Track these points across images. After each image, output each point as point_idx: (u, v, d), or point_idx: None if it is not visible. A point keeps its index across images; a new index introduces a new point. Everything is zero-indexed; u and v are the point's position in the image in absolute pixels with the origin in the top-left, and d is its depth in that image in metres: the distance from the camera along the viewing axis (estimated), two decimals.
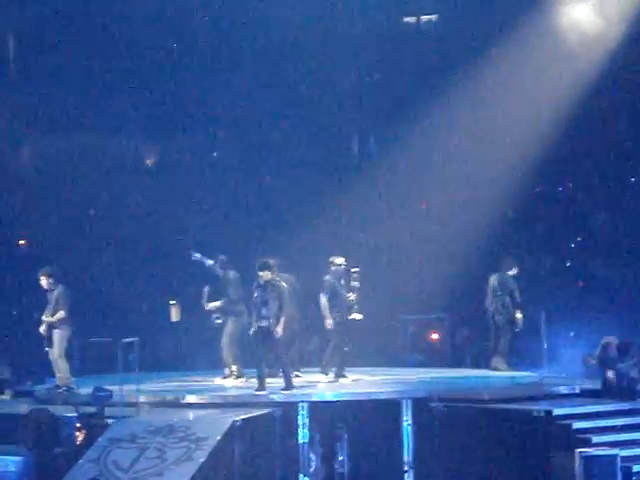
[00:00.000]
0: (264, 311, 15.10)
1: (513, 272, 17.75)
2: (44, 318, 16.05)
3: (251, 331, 15.25)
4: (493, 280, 17.68)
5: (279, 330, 15.04)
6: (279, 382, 15.40)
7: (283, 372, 15.30)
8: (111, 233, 20.86)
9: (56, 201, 20.90)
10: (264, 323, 15.08)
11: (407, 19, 22.05)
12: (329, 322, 16.15)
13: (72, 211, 21.10)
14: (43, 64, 20.77)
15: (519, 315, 17.46)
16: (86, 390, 14.67)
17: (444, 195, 21.39)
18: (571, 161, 21.04)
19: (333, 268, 16.37)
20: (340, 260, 16.40)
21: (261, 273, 15.22)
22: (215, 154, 22.32)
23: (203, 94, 21.39)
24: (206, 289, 16.15)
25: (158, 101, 21.14)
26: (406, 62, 21.56)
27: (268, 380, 15.33)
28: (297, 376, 16.22)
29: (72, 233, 20.77)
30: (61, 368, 16.06)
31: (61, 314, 16.01)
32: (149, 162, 22.65)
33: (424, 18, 21.99)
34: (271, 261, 15.43)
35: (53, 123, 20.88)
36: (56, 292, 16.12)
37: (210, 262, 16.60)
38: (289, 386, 15.10)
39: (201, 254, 16.65)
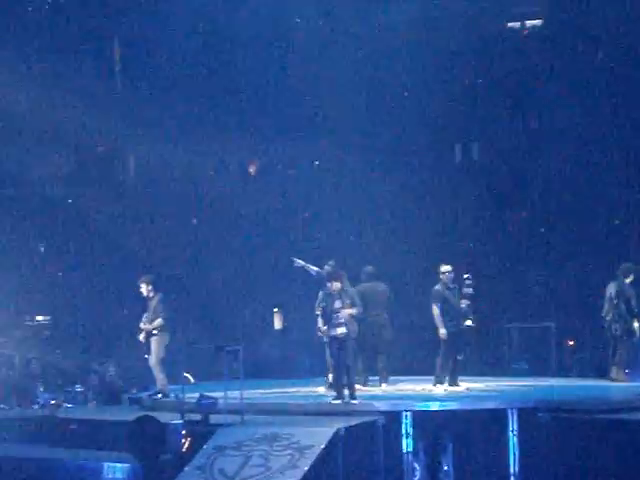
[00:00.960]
0: (336, 319, 15.02)
1: (630, 279, 17.09)
2: (142, 326, 16.32)
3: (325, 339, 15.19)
4: (610, 288, 17.12)
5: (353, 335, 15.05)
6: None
7: (350, 381, 15.09)
8: (215, 241, 21.00)
9: (159, 209, 21.16)
10: (343, 331, 15.03)
11: (511, 24, 21.88)
12: (443, 332, 16.11)
13: (176, 219, 21.33)
14: (149, 72, 21.10)
15: (637, 324, 16.90)
16: (192, 397, 14.78)
17: (547, 199, 21.12)
18: None
19: (441, 276, 16.34)
20: (446, 268, 16.32)
21: (329, 284, 15.19)
22: (317, 162, 22.36)
23: (304, 100, 21.45)
24: (321, 294, 15.98)
25: (262, 108, 21.25)
26: (510, 67, 21.33)
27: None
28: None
29: (176, 241, 21.00)
30: (158, 375, 16.30)
31: (158, 322, 16.23)
32: (252, 170, 22.80)
33: (528, 23, 21.77)
34: (340, 272, 15.48)
35: (158, 133, 21.14)
36: (154, 300, 16.36)
37: (314, 269, 16.63)
38: (354, 396, 14.96)
39: (304, 261, 16.67)
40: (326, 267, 16.61)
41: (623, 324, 16.82)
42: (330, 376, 16.40)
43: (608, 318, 17.07)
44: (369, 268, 17.03)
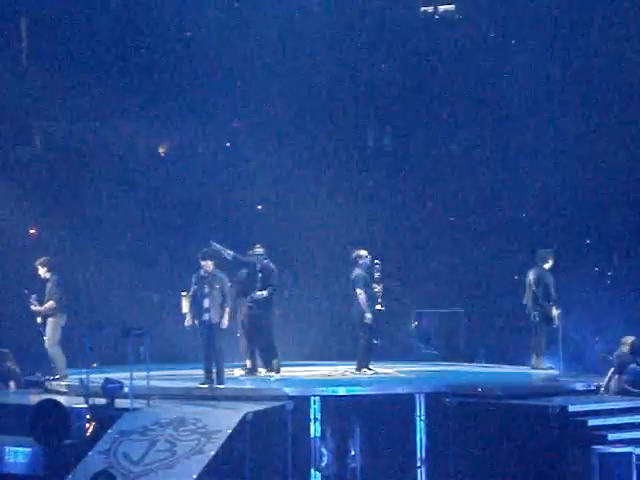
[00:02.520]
0: (206, 303, 14.90)
1: (549, 265, 16.85)
2: (32, 307, 16.08)
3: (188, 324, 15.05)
4: (530, 275, 16.88)
5: (225, 322, 14.88)
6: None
7: (218, 367, 14.97)
8: (125, 222, 20.69)
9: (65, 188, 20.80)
10: (205, 317, 14.90)
11: (424, 9, 21.92)
12: (369, 316, 16.05)
13: (83, 199, 20.95)
14: (56, 49, 20.70)
15: (555, 311, 16.64)
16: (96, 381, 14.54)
17: (462, 185, 21.24)
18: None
19: (360, 261, 16.25)
20: (364, 252, 16.28)
21: (203, 263, 15.01)
22: (228, 144, 22.17)
23: (220, 81, 21.24)
24: (193, 277, 15.68)
25: (174, 89, 20.98)
26: (423, 52, 21.38)
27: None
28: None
29: (84, 221, 20.64)
30: (52, 357, 16.07)
31: (50, 304, 16.03)
32: (162, 149, 22.53)
33: (441, 8, 21.83)
34: (211, 250, 15.30)
35: (66, 111, 20.77)
36: (50, 282, 16.14)
37: (230, 253, 16.39)
38: (222, 381, 14.91)
39: (222, 245, 16.42)
40: (249, 252, 16.43)
41: (541, 311, 16.65)
42: (248, 361, 16.29)
43: (528, 305, 16.90)
44: (259, 248, 16.40)
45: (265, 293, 15.93)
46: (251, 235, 20.01)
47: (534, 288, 16.66)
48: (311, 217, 20.70)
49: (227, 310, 14.98)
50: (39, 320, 16.18)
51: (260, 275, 16.05)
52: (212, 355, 14.91)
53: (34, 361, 17.40)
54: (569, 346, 17.35)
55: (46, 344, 16.10)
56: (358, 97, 21.46)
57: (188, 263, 16.84)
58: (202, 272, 15.00)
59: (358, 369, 16.40)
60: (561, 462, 13.51)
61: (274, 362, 16.15)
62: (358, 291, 16.06)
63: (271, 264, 16.18)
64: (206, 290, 14.90)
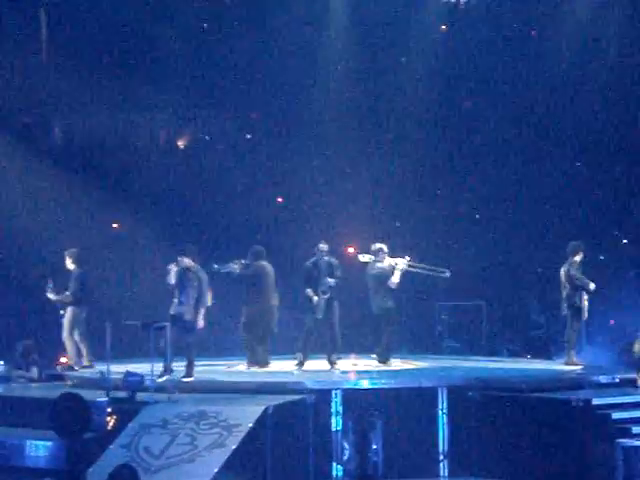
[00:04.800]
0: (182, 298, 14.88)
1: (579, 257, 16.50)
2: (48, 295, 16.38)
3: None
4: (562, 268, 16.56)
5: (200, 322, 14.89)
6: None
7: (188, 360, 15.02)
8: (141, 215, 20.68)
9: (87, 181, 20.81)
10: (179, 310, 14.87)
11: None
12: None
13: (103, 192, 20.95)
14: (74, 42, 20.70)
15: (584, 304, 16.30)
16: (118, 374, 14.55)
17: (485, 177, 21.14)
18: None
19: (382, 255, 16.49)
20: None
21: (179, 258, 15.01)
22: (249, 136, 22.14)
23: (237, 75, 21.19)
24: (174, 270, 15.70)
25: (191, 83, 20.95)
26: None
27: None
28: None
29: (103, 215, 20.63)
30: (68, 348, 16.37)
31: (65, 296, 16.35)
32: (180, 143, 22.52)
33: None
34: (191, 247, 15.26)
35: (85, 103, 20.77)
36: (73, 274, 16.38)
37: (234, 266, 16.37)
38: (189, 374, 14.95)
39: (219, 264, 16.42)
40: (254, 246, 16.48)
41: (571, 304, 16.38)
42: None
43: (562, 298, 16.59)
44: (257, 247, 16.56)
45: (332, 282, 16.06)
46: (271, 228, 20.03)
47: (564, 282, 16.41)
48: (332, 209, 20.65)
49: (202, 310, 14.95)
50: (62, 311, 16.39)
51: (328, 269, 16.18)
52: (178, 349, 14.90)
53: (57, 353, 17.52)
54: (599, 338, 17.24)
55: (62, 335, 16.37)
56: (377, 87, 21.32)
57: (209, 256, 16.86)
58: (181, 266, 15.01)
59: (383, 362, 16.38)
60: (584, 455, 13.42)
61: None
62: (396, 280, 16.17)
63: (333, 259, 16.33)
64: (184, 284, 14.88)
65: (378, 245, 16.56)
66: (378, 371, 15.99)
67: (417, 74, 20.98)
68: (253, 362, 16.31)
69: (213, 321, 18.23)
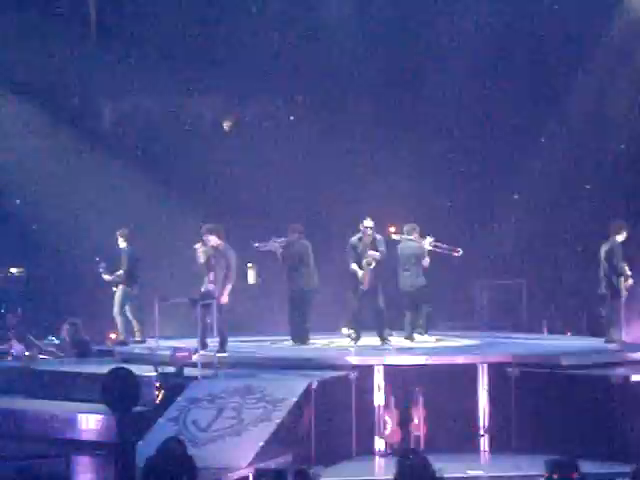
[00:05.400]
0: (211, 276, 15.14)
1: (622, 237, 16.28)
2: (103, 276, 16.81)
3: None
4: (603, 247, 16.40)
5: (224, 298, 15.08)
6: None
7: (221, 335, 15.24)
8: (189, 198, 20.95)
9: (134, 160, 21.10)
10: (208, 288, 15.14)
11: None
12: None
13: (150, 174, 21.25)
14: (123, 27, 20.99)
15: (623, 283, 16.07)
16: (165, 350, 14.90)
17: (524, 158, 21.12)
18: None
19: (415, 234, 16.84)
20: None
21: (205, 237, 15.21)
22: (292, 118, 22.31)
23: (281, 58, 21.35)
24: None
25: (236, 64, 21.13)
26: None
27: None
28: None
29: (149, 197, 20.91)
30: (118, 325, 16.86)
31: (118, 273, 16.86)
32: (226, 125, 22.71)
33: None
34: (217, 226, 15.43)
35: (133, 86, 21.06)
36: (123, 252, 16.83)
37: (275, 244, 16.62)
38: (223, 349, 15.17)
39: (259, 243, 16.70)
40: (292, 225, 16.76)
41: (608, 283, 16.25)
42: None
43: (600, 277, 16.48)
44: (297, 225, 16.81)
45: (377, 255, 16.31)
46: (312, 208, 20.19)
47: (603, 260, 16.29)
48: (372, 189, 20.76)
49: (227, 287, 15.16)
50: (114, 289, 16.83)
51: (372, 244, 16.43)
52: (209, 326, 15.14)
53: (106, 330, 17.94)
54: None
55: (114, 311, 16.72)
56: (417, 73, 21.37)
57: (254, 237, 17.14)
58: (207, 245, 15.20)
59: (420, 335, 16.74)
60: (623, 432, 13.56)
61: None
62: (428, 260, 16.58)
63: (377, 235, 16.55)
64: (212, 263, 15.14)
65: (411, 225, 16.83)
66: (420, 347, 16.21)
67: (458, 54, 21.00)
68: (297, 338, 16.59)
69: (256, 298, 18.60)
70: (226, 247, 15.35)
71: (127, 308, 16.98)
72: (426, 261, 16.71)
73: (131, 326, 17.13)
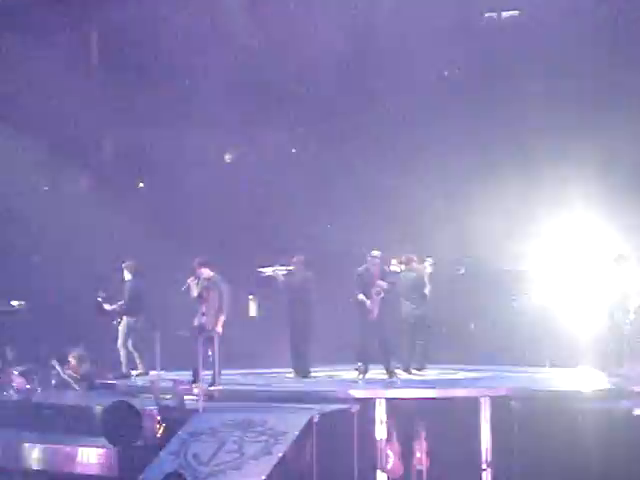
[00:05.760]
0: (204, 309, 15.12)
1: (620, 268, 16.27)
2: (104, 306, 16.85)
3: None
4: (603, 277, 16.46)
5: (219, 329, 15.08)
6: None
7: (214, 369, 15.22)
8: (191, 229, 20.97)
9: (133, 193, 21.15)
10: (201, 321, 15.13)
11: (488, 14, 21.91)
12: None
13: (152, 206, 21.29)
14: (126, 58, 21.09)
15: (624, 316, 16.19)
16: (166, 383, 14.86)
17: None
18: None
19: (414, 264, 17.00)
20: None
21: (198, 270, 15.29)
22: (294, 150, 22.39)
23: (282, 90, 21.45)
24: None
25: (239, 97, 21.22)
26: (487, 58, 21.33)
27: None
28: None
29: (151, 229, 20.94)
30: (121, 357, 16.78)
31: (118, 306, 16.96)
32: (228, 157, 22.80)
33: (505, 14, 21.79)
34: (209, 258, 15.53)
35: (134, 118, 21.14)
36: (126, 284, 16.97)
37: (278, 272, 16.66)
38: (215, 382, 15.17)
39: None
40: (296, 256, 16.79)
41: (611, 315, 16.30)
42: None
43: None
44: (303, 257, 16.90)
45: (385, 285, 16.33)
46: (312, 239, 20.19)
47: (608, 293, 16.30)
48: (375, 223, 20.78)
49: (221, 318, 15.16)
50: (115, 322, 16.84)
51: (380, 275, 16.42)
52: (203, 359, 15.07)
53: (108, 362, 17.88)
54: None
55: (118, 344, 16.83)
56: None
57: (254, 268, 17.15)
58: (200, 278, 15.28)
59: (418, 369, 16.67)
60: (626, 465, 13.50)
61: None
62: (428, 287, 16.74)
63: (384, 266, 16.65)
64: (205, 295, 15.16)
65: (407, 256, 16.93)
66: (422, 380, 16.17)
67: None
68: (300, 370, 16.55)
69: (259, 330, 18.56)
70: (218, 279, 15.40)
71: (129, 341, 16.97)
72: (427, 289, 16.76)
73: (133, 358, 17.09)
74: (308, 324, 16.57)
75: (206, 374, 15.18)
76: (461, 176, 20.62)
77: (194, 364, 15.04)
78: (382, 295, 16.26)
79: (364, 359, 16.48)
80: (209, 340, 15.10)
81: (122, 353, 16.96)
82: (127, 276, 17.10)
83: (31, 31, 20.45)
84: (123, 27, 20.78)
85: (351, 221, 20.71)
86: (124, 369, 17.03)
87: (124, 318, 16.96)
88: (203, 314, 15.22)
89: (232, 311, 15.97)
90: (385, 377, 16.36)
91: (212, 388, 15.04)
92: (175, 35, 20.88)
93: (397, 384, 15.86)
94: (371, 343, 16.42)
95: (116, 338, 17.20)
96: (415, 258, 17.02)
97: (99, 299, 17.11)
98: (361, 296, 16.33)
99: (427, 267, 16.95)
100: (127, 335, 16.93)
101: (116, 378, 16.98)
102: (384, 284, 16.29)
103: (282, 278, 16.58)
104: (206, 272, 15.31)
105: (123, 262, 17.26)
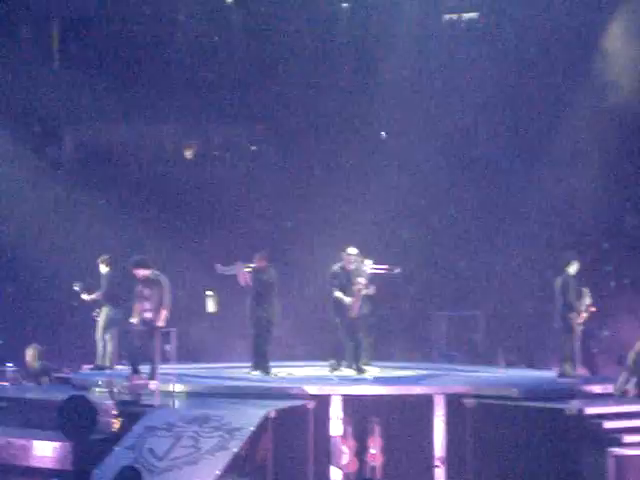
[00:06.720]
0: (146, 304, 15.15)
1: (573, 269, 16.06)
2: (82, 296, 16.93)
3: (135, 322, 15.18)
4: (556, 281, 16.21)
5: (160, 323, 15.02)
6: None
7: (153, 363, 15.06)
8: (150, 224, 20.97)
9: (98, 190, 21.11)
10: (144, 316, 15.13)
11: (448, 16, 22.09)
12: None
13: (111, 201, 21.27)
14: (86, 54, 21.06)
15: (576, 319, 15.91)
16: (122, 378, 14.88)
17: (487, 189, 21.33)
18: None
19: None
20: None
21: (135, 271, 15.19)
22: (254, 148, 22.44)
23: (241, 86, 21.50)
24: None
25: (198, 93, 21.25)
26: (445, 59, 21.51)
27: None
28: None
29: (110, 224, 20.91)
30: (98, 349, 16.71)
31: (95, 295, 16.92)
32: (188, 153, 22.80)
33: (465, 16, 21.97)
34: (141, 257, 15.40)
35: (95, 113, 21.10)
36: (103, 275, 16.96)
37: (241, 269, 16.67)
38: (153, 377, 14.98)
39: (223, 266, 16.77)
40: (260, 252, 16.78)
41: (563, 318, 16.09)
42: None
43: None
44: (268, 252, 16.80)
45: (364, 281, 16.22)
46: (273, 241, 20.27)
47: (557, 295, 16.14)
48: (336, 218, 20.89)
49: (164, 312, 15.13)
50: (94, 312, 16.89)
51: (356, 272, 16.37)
52: (146, 353, 15.06)
53: (64, 356, 17.84)
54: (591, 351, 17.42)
55: (96, 335, 16.86)
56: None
57: (211, 265, 17.18)
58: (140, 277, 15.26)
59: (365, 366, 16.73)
60: (577, 464, 13.64)
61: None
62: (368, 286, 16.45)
63: (359, 263, 16.46)
64: (145, 293, 15.20)
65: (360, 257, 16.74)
66: (376, 378, 16.28)
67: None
68: (260, 367, 16.57)
69: (217, 326, 18.57)
70: (157, 274, 15.33)
71: (107, 333, 16.89)
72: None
73: (105, 350, 17.03)
74: (270, 321, 16.55)
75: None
76: None
77: (149, 359, 15.05)
78: (364, 292, 16.27)
79: (337, 356, 16.48)
80: (149, 334, 15.05)
81: (99, 345, 16.90)
82: (103, 269, 17.05)
83: None
84: (85, 20, 20.77)
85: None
86: (99, 361, 16.94)
87: (103, 309, 16.91)
88: (147, 310, 15.20)
89: (190, 307, 15.96)
90: (354, 374, 16.38)
91: (152, 382, 14.94)
92: (134, 29, 20.87)
93: (369, 380, 15.91)
94: (344, 340, 16.43)
95: (85, 330, 17.19)
96: (358, 253, 16.81)
97: (76, 288, 17.10)
98: (339, 293, 16.32)
99: (367, 267, 16.75)
100: (107, 326, 16.87)
101: (92, 370, 16.93)
102: (363, 281, 16.30)
103: (247, 275, 16.50)
104: (141, 272, 15.24)
105: (98, 257, 17.20)
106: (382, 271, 16.77)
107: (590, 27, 20.58)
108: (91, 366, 17.17)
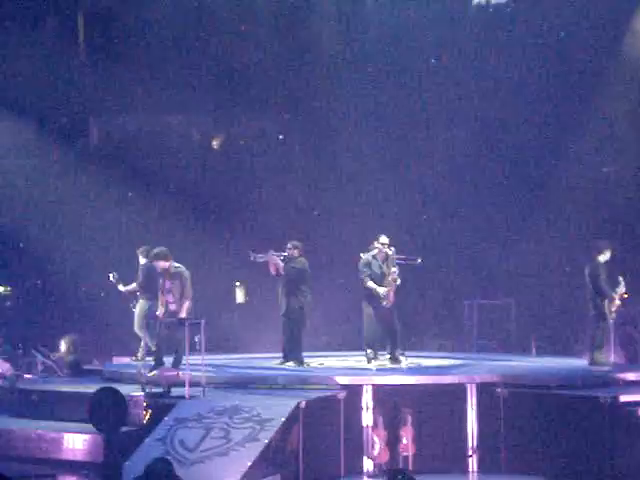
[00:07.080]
0: (168, 297, 15.13)
1: (604, 257, 15.96)
2: (119, 287, 17.02)
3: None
4: (586, 268, 16.04)
5: (182, 314, 15.03)
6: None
7: (177, 353, 15.13)
8: (178, 215, 20.94)
9: (126, 181, 21.11)
10: (168, 308, 15.13)
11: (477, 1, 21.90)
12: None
13: (139, 191, 21.25)
14: (112, 45, 21.03)
15: (608, 306, 15.79)
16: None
17: (511, 177, 21.20)
18: None
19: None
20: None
21: (155, 264, 15.21)
22: (281, 137, 22.36)
23: (268, 75, 21.42)
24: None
25: (226, 84, 21.19)
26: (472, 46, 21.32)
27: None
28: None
29: (139, 214, 20.90)
30: (142, 340, 16.74)
31: (131, 286, 16.99)
32: (215, 143, 22.75)
33: (494, 1, 21.78)
34: (161, 250, 15.34)
35: (120, 104, 21.10)
36: (140, 266, 16.98)
37: (274, 257, 16.53)
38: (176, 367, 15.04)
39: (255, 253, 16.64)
40: (292, 241, 16.66)
41: (595, 306, 15.94)
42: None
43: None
44: (299, 242, 16.55)
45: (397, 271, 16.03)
46: (300, 231, 20.16)
47: (588, 282, 15.99)
48: (361, 210, 20.80)
49: (186, 303, 15.15)
50: (131, 304, 17.00)
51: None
52: (171, 345, 15.07)
53: (95, 348, 17.85)
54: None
55: (135, 327, 16.94)
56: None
57: (239, 256, 17.11)
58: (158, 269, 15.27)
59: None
60: (612, 452, 13.52)
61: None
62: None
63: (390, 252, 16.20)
64: (167, 286, 15.12)
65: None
66: (409, 367, 16.18)
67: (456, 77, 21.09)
68: (292, 358, 16.46)
69: (247, 316, 18.51)
70: (176, 266, 15.29)
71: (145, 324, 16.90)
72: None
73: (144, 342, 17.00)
74: (303, 310, 16.42)
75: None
76: None
77: (174, 350, 15.03)
78: (399, 281, 16.10)
79: (373, 346, 16.33)
80: (174, 326, 15.02)
81: (142, 335, 16.91)
82: (142, 260, 17.07)
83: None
84: (110, 11, 20.75)
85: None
86: (144, 352, 16.88)
87: (140, 302, 16.91)
88: (171, 302, 15.18)
89: (219, 297, 15.89)
90: (391, 364, 16.21)
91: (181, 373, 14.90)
92: (163, 20, 20.83)
93: (402, 370, 15.78)
94: (379, 330, 16.26)
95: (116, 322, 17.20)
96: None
97: (112, 280, 17.09)
98: (371, 283, 16.16)
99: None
100: (143, 318, 16.86)
101: (133, 361, 16.95)
102: (397, 270, 16.15)
103: (281, 263, 16.36)
104: (161, 264, 15.20)
105: (137, 248, 17.22)
106: (402, 262, 16.56)
107: (620, 8, 20.33)
108: (132, 357, 17.11)
